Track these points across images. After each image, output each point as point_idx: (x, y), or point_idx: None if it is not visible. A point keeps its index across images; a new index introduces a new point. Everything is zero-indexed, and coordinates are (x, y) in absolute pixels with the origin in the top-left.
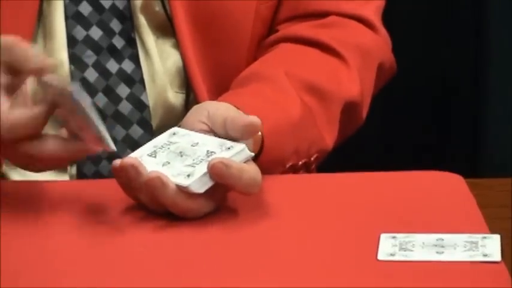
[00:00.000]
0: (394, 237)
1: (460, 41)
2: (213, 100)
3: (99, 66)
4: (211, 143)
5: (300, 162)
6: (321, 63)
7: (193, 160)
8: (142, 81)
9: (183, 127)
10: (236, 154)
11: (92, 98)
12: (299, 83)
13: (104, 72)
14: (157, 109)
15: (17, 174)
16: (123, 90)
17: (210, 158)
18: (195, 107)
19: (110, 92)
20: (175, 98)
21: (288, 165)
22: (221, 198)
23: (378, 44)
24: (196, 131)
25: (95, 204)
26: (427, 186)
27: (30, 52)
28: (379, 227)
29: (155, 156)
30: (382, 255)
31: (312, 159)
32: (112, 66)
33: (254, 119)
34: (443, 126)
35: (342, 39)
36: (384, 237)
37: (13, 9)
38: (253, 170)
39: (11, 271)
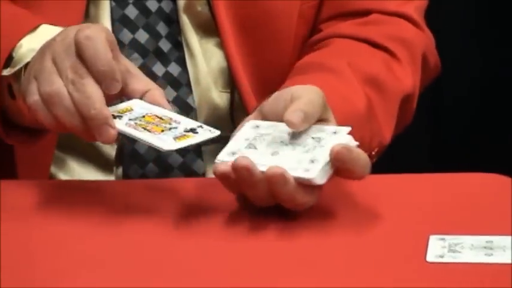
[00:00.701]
0: (443, 239)
1: (507, 40)
2: (260, 98)
3: (145, 69)
4: (308, 129)
5: None
6: (376, 57)
7: (305, 148)
8: (188, 84)
9: (265, 113)
10: (343, 137)
11: None
12: (361, 75)
13: (150, 76)
14: (202, 109)
15: (63, 174)
16: (169, 93)
17: (322, 144)
18: (276, 93)
19: None
20: (220, 97)
21: None
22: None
23: (421, 38)
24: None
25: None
26: (476, 187)
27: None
28: (428, 229)
29: (256, 148)
30: (431, 257)
31: (373, 153)
32: (158, 69)
33: (293, 119)
34: (491, 127)
35: (386, 34)
36: (432, 238)
37: (60, 11)
38: (365, 154)
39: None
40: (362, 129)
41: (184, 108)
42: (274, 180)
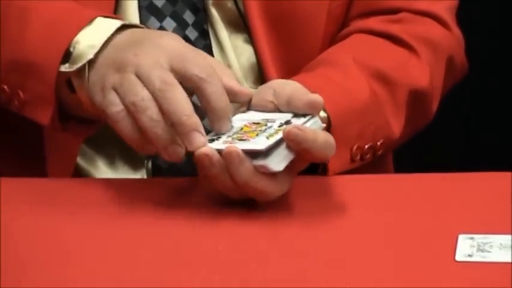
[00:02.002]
0: (471, 238)
1: None
2: None
3: None
4: (283, 116)
5: (366, 146)
6: (390, 53)
7: (268, 131)
8: None
9: (251, 108)
10: (308, 122)
11: None
12: (367, 69)
13: None
14: (233, 105)
15: (92, 169)
16: None
17: (283, 127)
18: (261, 87)
19: None
20: None
21: (354, 148)
22: (292, 181)
23: (448, 40)
24: (263, 110)
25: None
26: (505, 186)
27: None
28: (456, 228)
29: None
30: (460, 256)
31: (378, 144)
32: None
33: (316, 96)
34: None
35: (413, 32)
36: (461, 238)
37: (90, 1)
38: (327, 134)
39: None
40: (363, 120)
41: None
42: (229, 158)
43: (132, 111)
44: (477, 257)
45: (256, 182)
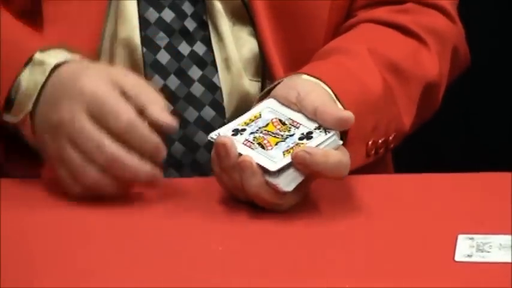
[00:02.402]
0: (471, 239)
1: None
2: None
3: (171, 49)
4: (307, 125)
5: (380, 141)
6: (403, 44)
7: (288, 145)
8: (214, 63)
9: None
10: (327, 140)
11: (164, 81)
12: (381, 61)
13: (176, 55)
14: (232, 95)
15: None
16: (195, 72)
17: (306, 142)
18: (285, 82)
19: (182, 74)
20: (251, 85)
21: (370, 142)
22: (306, 192)
23: (453, 31)
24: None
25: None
26: (505, 187)
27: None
28: (456, 228)
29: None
30: (459, 257)
31: (391, 138)
32: (184, 48)
33: (348, 114)
34: None
35: (420, 23)
36: (461, 238)
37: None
38: (340, 154)
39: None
40: (377, 113)
41: (210, 87)
42: (243, 167)
43: (90, 188)
44: (477, 257)
45: (265, 194)
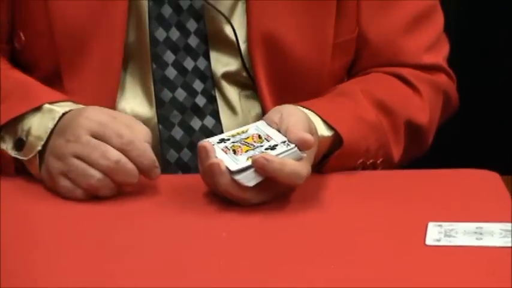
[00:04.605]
0: (440, 226)
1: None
2: None
3: (184, 125)
4: (277, 139)
5: (369, 162)
6: (395, 87)
7: (260, 146)
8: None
9: (264, 119)
10: (287, 151)
11: (178, 154)
12: (371, 99)
13: (188, 130)
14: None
15: None
16: None
17: (269, 151)
18: (276, 107)
19: (193, 147)
20: None
21: (359, 162)
22: (277, 193)
23: (447, 83)
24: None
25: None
26: (469, 181)
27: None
28: (427, 217)
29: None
30: (429, 241)
31: (378, 162)
32: (195, 123)
33: (308, 136)
34: (483, 128)
35: (419, 75)
36: (431, 225)
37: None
38: (297, 165)
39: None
40: (370, 138)
41: None
42: (213, 169)
43: (92, 190)
44: (444, 242)
45: (232, 190)
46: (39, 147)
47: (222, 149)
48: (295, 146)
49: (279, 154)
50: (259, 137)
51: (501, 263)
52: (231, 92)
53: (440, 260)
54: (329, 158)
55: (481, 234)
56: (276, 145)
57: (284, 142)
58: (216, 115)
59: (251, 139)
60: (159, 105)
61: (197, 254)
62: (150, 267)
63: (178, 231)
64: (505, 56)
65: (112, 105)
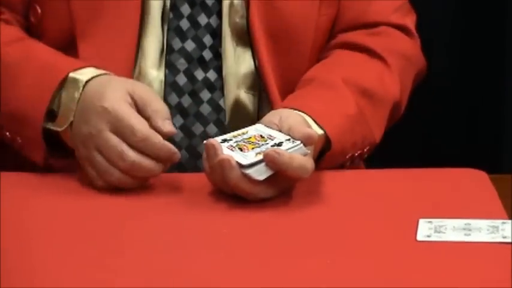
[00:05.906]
0: (430, 222)
1: (484, 46)
2: (282, 98)
3: (187, 74)
4: (281, 137)
5: (356, 154)
6: (370, 69)
7: (265, 144)
8: (222, 88)
9: (261, 122)
10: (294, 148)
11: (179, 99)
12: (355, 88)
13: (191, 80)
14: (231, 108)
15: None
16: (205, 95)
17: (276, 147)
18: (273, 112)
19: (194, 95)
20: (247, 97)
21: (348, 156)
22: (283, 188)
23: (417, 52)
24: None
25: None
26: (458, 180)
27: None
28: (417, 214)
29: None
30: (420, 237)
31: (365, 150)
32: (199, 74)
33: (313, 132)
34: (472, 129)
35: (387, 46)
36: (422, 222)
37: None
38: (304, 159)
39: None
40: (354, 132)
41: (216, 109)
42: (223, 164)
43: (113, 185)
44: (434, 237)
45: (242, 185)
46: (71, 118)
47: (228, 147)
48: (301, 142)
49: (286, 150)
50: (261, 136)
51: (488, 257)
52: (228, 45)
53: (430, 255)
54: (323, 157)
55: (469, 230)
56: (282, 142)
57: (289, 139)
58: (219, 70)
59: (254, 139)
60: (168, 52)
61: (200, 250)
62: (152, 265)
63: (182, 228)
64: (496, 56)
65: (131, 65)
